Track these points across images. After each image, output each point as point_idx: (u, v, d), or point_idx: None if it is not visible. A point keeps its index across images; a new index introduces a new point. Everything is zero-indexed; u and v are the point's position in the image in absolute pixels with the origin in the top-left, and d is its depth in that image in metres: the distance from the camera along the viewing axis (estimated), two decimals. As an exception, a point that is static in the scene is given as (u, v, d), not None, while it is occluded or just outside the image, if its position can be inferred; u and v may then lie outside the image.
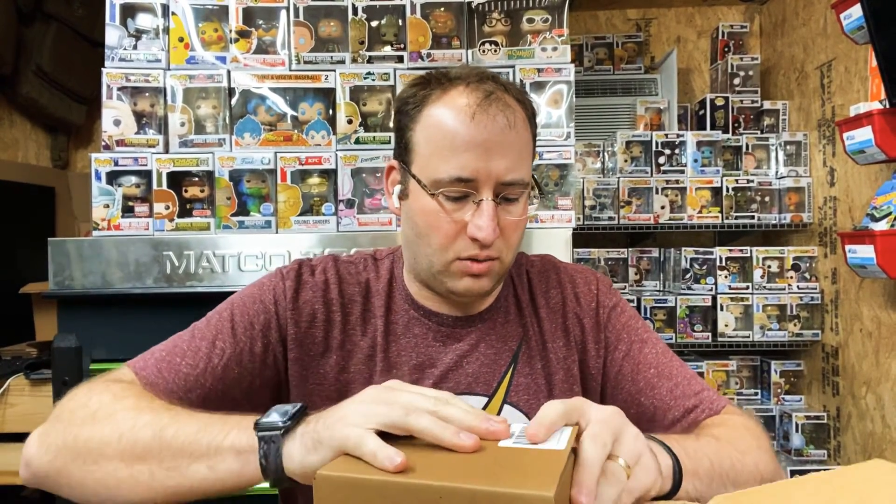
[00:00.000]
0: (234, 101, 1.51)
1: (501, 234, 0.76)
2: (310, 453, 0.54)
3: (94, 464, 0.62)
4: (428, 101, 0.78)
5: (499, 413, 0.81)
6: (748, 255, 2.31)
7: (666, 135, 2.39)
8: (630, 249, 2.48)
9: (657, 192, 2.35)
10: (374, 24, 1.56)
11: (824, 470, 0.60)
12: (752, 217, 2.36)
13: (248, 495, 1.40)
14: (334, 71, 1.53)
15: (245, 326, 0.78)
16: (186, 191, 1.49)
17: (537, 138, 0.86)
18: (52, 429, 0.66)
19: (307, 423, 0.56)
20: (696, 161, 2.37)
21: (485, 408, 0.81)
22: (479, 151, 0.74)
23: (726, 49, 2.65)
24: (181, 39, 1.53)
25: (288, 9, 1.54)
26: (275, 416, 0.58)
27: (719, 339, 2.29)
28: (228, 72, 1.51)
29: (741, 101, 2.51)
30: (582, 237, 2.41)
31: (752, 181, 2.36)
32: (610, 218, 2.37)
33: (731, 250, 2.32)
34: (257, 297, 0.81)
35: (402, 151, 0.81)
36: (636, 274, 2.46)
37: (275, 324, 0.80)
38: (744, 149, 2.44)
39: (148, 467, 0.60)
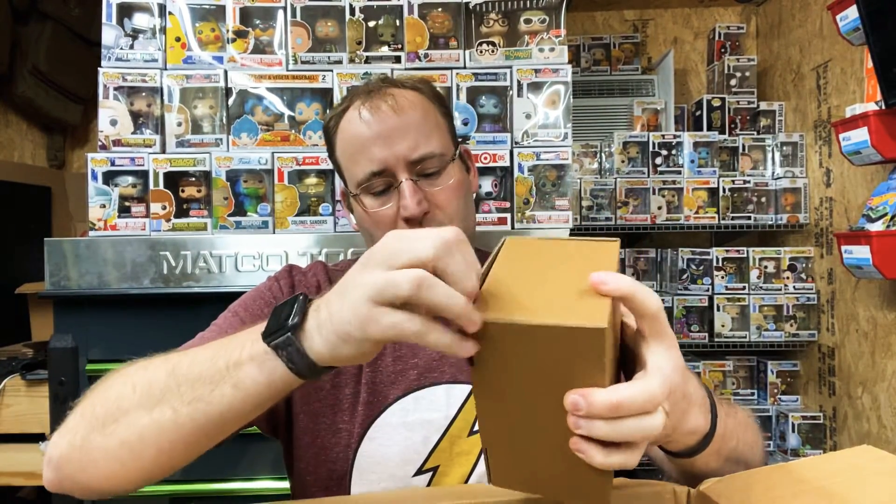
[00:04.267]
0: (231, 101, 1.51)
1: (435, 206, 0.82)
2: (339, 347, 0.49)
3: (114, 423, 0.57)
4: (336, 122, 0.87)
5: None
6: (745, 255, 2.31)
7: (663, 135, 2.40)
8: (627, 250, 2.49)
9: (654, 193, 2.35)
10: (372, 24, 1.56)
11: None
12: (749, 218, 2.37)
13: (251, 495, 1.40)
14: (331, 71, 1.53)
15: (252, 320, 0.80)
16: (183, 191, 1.49)
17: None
18: (70, 416, 0.63)
19: (317, 310, 0.51)
20: (692, 162, 2.37)
21: (469, 396, 0.82)
22: (378, 142, 0.81)
23: (723, 50, 2.66)
24: (178, 39, 1.53)
25: (285, 9, 1.54)
26: (279, 318, 0.52)
27: (716, 339, 2.30)
28: (225, 72, 1.51)
29: (738, 102, 2.52)
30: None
31: (749, 182, 2.37)
32: (607, 218, 2.37)
33: (727, 251, 2.33)
34: (257, 297, 0.85)
35: (340, 175, 0.90)
36: (633, 274, 2.47)
37: None
38: (740, 150, 2.44)
39: (169, 406, 0.55)
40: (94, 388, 0.63)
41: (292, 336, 0.50)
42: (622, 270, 0.65)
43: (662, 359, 0.48)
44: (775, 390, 2.32)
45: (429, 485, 0.80)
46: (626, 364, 0.52)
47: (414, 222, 0.80)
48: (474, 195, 0.95)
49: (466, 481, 0.81)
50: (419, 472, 0.80)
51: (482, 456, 0.80)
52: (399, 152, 0.81)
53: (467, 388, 0.82)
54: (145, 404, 0.56)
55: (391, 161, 0.81)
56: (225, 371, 0.54)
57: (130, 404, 0.57)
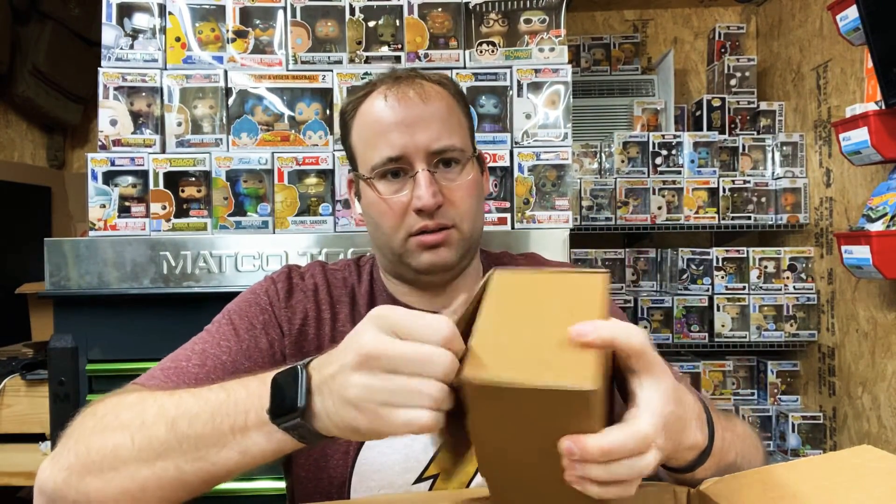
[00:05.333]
0: (231, 101, 1.51)
1: (448, 202, 0.80)
2: (350, 435, 0.50)
3: (112, 471, 0.57)
4: (357, 107, 0.84)
5: None
6: (745, 255, 2.31)
7: (663, 135, 2.40)
8: (627, 250, 2.49)
9: (654, 193, 2.35)
10: (372, 24, 1.56)
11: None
12: (749, 218, 2.37)
13: (251, 495, 1.40)
14: (331, 71, 1.53)
15: (246, 327, 0.80)
16: (183, 191, 1.49)
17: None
18: (62, 448, 0.62)
19: (321, 393, 0.51)
20: (692, 162, 2.37)
21: None
22: (401, 128, 0.79)
23: (723, 50, 2.66)
24: (178, 39, 1.53)
25: (285, 9, 1.54)
26: (284, 398, 0.52)
27: (716, 339, 2.30)
28: (225, 72, 1.51)
29: (738, 102, 2.51)
30: (579, 238, 2.41)
31: (749, 182, 2.37)
32: (607, 218, 2.37)
33: (727, 251, 2.33)
34: (252, 300, 0.83)
35: (350, 160, 0.87)
36: (633, 274, 2.47)
37: (273, 321, 0.82)
38: (740, 150, 2.44)
39: (172, 462, 0.56)
40: (86, 422, 0.62)
41: (302, 420, 0.51)
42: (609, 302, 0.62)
43: (652, 392, 0.48)
44: (775, 390, 2.32)
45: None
46: (620, 386, 0.53)
47: (425, 214, 0.79)
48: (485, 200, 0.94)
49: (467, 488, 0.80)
50: (419, 479, 0.79)
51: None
52: (420, 141, 0.79)
53: None
54: (146, 458, 0.56)
55: (410, 149, 0.79)
56: (230, 436, 0.54)
57: (129, 456, 0.57)
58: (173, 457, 0.56)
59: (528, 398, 0.45)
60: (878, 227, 1.68)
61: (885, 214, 1.68)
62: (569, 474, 0.46)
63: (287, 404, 0.51)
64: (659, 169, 2.38)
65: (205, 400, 0.57)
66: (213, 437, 0.54)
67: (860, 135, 1.68)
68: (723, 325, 2.29)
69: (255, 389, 0.54)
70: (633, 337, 0.48)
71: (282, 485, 1.33)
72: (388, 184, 0.81)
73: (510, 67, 1.53)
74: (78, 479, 0.59)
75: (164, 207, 1.48)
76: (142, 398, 0.62)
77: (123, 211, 1.47)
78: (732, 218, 2.36)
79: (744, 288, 2.30)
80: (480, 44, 1.55)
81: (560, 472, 0.47)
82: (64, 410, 1.38)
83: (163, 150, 1.50)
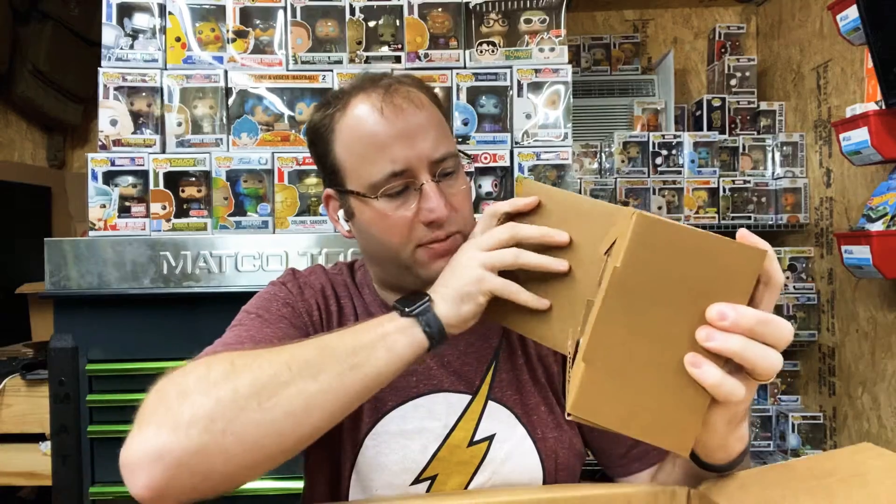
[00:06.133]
0: (231, 101, 1.51)
1: (452, 209, 0.77)
2: (461, 306, 0.67)
3: (275, 396, 0.58)
4: (335, 119, 0.79)
5: (482, 410, 0.81)
6: (745, 255, 2.31)
7: (663, 135, 2.39)
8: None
9: (654, 193, 2.35)
10: (372, 24, 1.56)
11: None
12: (749, 218, 2.36)
13: (252, 496, 1.40)
14: (332, 71, 1.53)
15: (275, 318, 0.78)
16: (183, 191, 1.49)
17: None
18: (170, 412, 0.56)
19: (435, 291, 0.69)
20: (692, 162, 2.37)
21: (468, 406, 0.81)
22: (401, 140, 0.75)
23: (723, 50, 2.66)
24: (178, 39, 1.53)
25: (285, 9, 1.54)
26: (412, 301, 0.68)
27: (716, 339, 2.30)
28: (225, 72, 1.51)
29: (738, 102, 2.51)
30: (579, 238, 2.41)
31: (749, 182, 2.37)
32: (607, 218, 2.37)
33: (727, 251, 2.32)
34: (271, 297, 0.81)
35: (331, 176, 0.81)
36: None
37: (296, 312, 0.81)
38: (740, 150, 2.44)
39: (334, 372, 0.62)
40: (184, 380, 0.59)
41: (430, 304, 0.67)
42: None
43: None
44: (775, 390, 2.32)
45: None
46: None
47: (435, 225, 0.75)
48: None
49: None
50: (417, 480, 0.79)
51: (484, 460, 0.80)
52: (423, 151, 0.75)
53: (467, 397, 0.81)
54: (310, 374, 0.61)
55: (414, 161, 0.74)
56: (377, 340, 0.65)
57: (291, 377, 0.60)
58: (334, 367, 0.62)
59: (702, 246, 0.48)
60: (878, 227, 1.68)
61: (886, 214, 1.68)
62: (691, 357, 0.49)
63: (415, 302, 0.67)
64: (659, 169, 2.38)
65: (338, 334, 0.66)
66: (361, 345, 0.64)
67: (860, 135, 1.68)
68: (723, 325, 2.29)
69: (379, 317, 0.68)
70: (780, 270, 0.53)
71: (285, 485, 1.34)
72: (391, 200, 0.76)
73: (510, 67, 1.53)
74: (225, 423, 0.56)
75: (164, 207, 1.48)
76: (261, 351, 0.64)
77: (123, 211, 1.47)
78: (732, 218, 2.36)
79: (744, 288, 2.30)
80: (480, 44, 1.55)
81: (676, 361, 0.49)
82: (64, 410, 1.38)
83: (163, 150, 1.50)
